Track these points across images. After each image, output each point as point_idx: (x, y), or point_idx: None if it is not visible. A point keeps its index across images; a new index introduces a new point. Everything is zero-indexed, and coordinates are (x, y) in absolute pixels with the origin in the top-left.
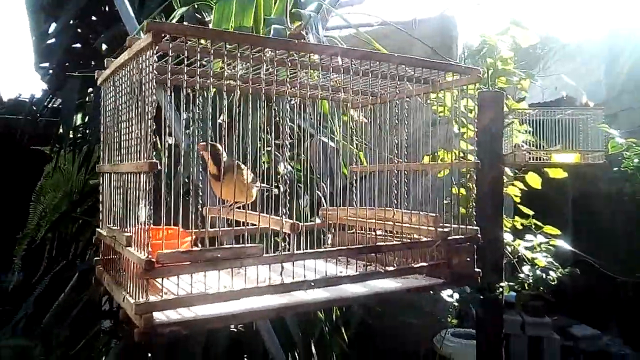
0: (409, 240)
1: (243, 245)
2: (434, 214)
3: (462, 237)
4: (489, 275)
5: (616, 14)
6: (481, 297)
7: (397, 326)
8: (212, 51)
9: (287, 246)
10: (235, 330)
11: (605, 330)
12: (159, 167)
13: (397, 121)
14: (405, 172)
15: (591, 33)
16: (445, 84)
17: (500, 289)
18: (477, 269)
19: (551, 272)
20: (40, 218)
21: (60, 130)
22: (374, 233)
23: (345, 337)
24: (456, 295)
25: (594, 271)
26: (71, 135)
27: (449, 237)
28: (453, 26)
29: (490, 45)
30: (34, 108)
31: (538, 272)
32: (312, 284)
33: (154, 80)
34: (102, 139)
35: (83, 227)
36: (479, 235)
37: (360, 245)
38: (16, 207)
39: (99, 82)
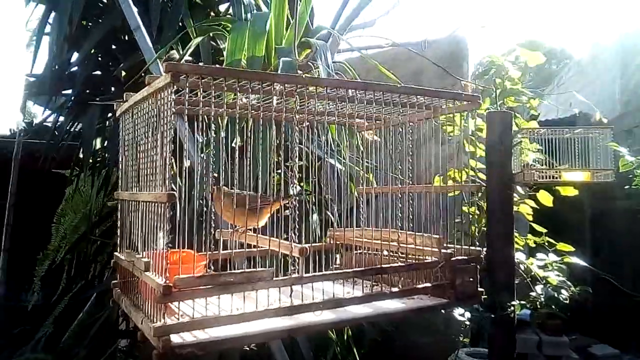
0: (413, 262)
1: (254, 269)
2: (437, 236)
3: (465, 257)
4: (500, 293)
5: (628, 29)
6: (492, 316)
7: (410, 346)
8: (225, 87)
9: (297, 267)
10: (248, 349)
11: (626, 350)
12: (176, 197)
13: (402, 146)
14: (410, 194)
15: (603, 49)
16: (447, 109)
17: (512, 308)
18: (480, 289)
19: (563, 291)
20: (61, 239)
21: (81, 155)
22: (380, 254)
23: (357, 357)
24: (468, 315)
25: (613, 289)
26: (90, 159)
27: (452, 258)
28: (463, 46)
29: (498, 66)
30: (56, 133)
31: (550, 290)
32: (321, 306)
33: (172, 115)
34: (120, 167)
35: (101, 248)
36: (482, 256)
37: (366, 268)
38: (37, 229)
39: (117, 114)
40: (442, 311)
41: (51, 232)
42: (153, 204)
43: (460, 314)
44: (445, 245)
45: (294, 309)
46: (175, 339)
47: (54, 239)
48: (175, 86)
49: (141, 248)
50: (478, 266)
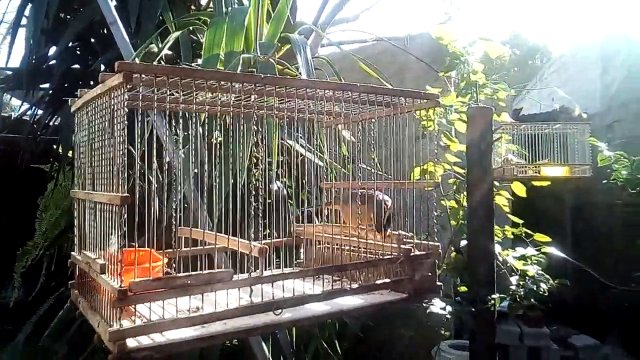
0: (372, 258)
1: (212, 271)
2: (396, 232)
3: (424, 253)
4: (481, 287)
5: (609, 25)
6: (473, 309)
7: (392, 339)
8: (181, 86)
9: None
10: (229, 345)
11: (605, 340)
12: (129, 201)
13: (369, 141)
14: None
15: (585, 44)
16: (407, 107)
17: (492, 301)
18: (438, 283)
19: (542, 284)
20: (41, 235)
21: (60, 149)
22: (342, 249)
23: (340, 350)
24: (449, 308)
25: (593, 281)
26: (70, 154)
27: (411, 254)
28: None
29: (461, 58)
30: (35, 127)
31: (529, 283)
32: (280, 305)
33: (125, 118)
34: (75, 165)
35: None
36: (440, 251)
37: (326, 265)
38: (16, 224)
39: (72, 110)
40: (423, 305)
41: (30, 227)
42: (108, 205)
43: (442, 307)
44: (404, 240)
45: (253, 308)
46: (131, 342)
47: (37, 235)
48: (128, 85)
49: (97, 249)
50: (437, 261)
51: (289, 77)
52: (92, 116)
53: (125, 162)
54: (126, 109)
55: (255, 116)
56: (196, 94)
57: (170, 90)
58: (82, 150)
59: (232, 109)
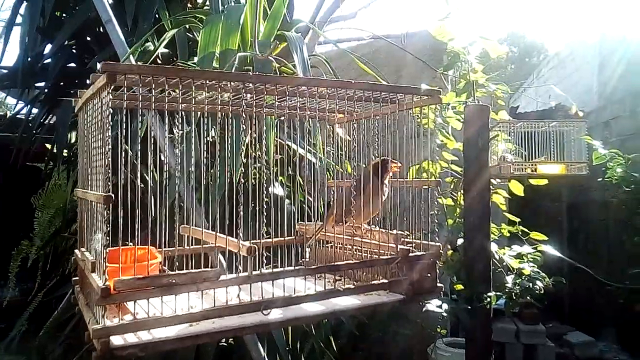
0: (369, 258)
1: (200, 270)
2: (394, 232)
3: (423, 253)
4: (477, 285)
5: (606, 23)
6: (469, 306)
7: (389, 337)
8: (166, 86)
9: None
10: (225, 344)
11: (600, 337)
12: (113, 199)
13: (369, 138)
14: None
15: (582, 42)
16: (409, 104)
17: (488, 299)
18: (439, 284)
19: (537, 282)
20: (37, 234)
21: (55, 148)
22: (345, 249)
23: (335, 348)
24: (445, 306)
25: (589, 278)
26: (65, 153)
27: (410, 254)
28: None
29: (461, 57)
30: (30, 125)
31: (525, 282)
32: (269, 305)
33: (109, 118)
34: (79, 164)
35: (76, 244)
36: (441, 252)
37: (319, 265)
38: (12, 223)
39: (76, 110)
40: (420, 303)
41: (25, 226)
42: (97, 204)
43: (438, 305)
44: (404, 240)
45: (241, 307)
46: (117, 340)
47: (33, 234)
48: (112, 86)
49: (91, 247)
50: (437, 261)
51: (285, 74)
52: (89, 117)
53: (110, 162)
54: (110, 110)
55: (244, 115)
56: (194, 93)
57: (167, 90)
58: (82, 150)
59: (238, 108)
